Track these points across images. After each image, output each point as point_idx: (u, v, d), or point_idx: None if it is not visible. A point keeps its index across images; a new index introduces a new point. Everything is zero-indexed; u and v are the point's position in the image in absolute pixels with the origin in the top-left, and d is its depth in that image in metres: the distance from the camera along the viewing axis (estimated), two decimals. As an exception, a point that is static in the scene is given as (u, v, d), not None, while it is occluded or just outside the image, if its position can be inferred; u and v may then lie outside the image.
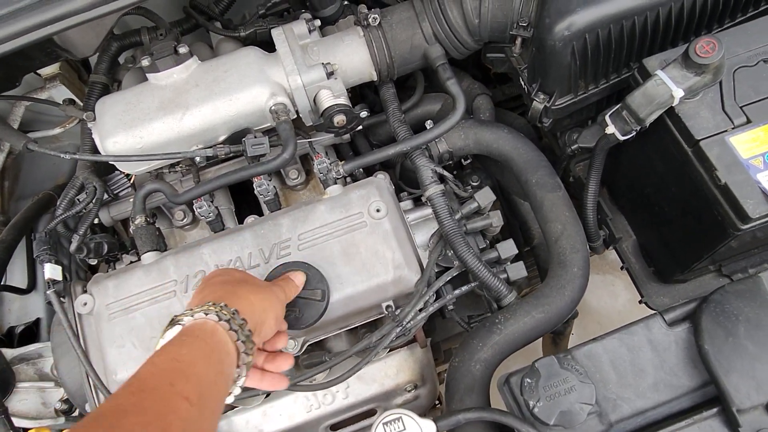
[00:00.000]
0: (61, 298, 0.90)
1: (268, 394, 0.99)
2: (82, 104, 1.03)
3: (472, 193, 0.96)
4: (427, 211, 0.96)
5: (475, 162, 1.16)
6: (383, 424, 0.67)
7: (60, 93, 1.24)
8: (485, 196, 0.95)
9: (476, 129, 0.99)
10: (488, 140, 0.98)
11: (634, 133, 0.79)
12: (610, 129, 0.80)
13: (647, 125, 0.77)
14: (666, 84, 0.72)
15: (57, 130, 1.29)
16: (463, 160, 1.11)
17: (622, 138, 0.80)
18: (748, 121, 0.74)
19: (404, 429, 0.66)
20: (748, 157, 0.72)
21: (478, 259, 0.87)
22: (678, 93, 0.72)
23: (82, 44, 0.85)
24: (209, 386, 0.53)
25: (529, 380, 0.66)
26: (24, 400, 0.96)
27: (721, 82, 0.76)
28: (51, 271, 0.87)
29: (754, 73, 0.76)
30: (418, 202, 1.00)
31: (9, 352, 0.98)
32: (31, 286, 1.20)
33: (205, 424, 0.51)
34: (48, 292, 0.86)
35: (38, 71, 1.18)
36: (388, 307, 0.88)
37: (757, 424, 0.62)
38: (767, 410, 0.63)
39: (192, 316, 0.59)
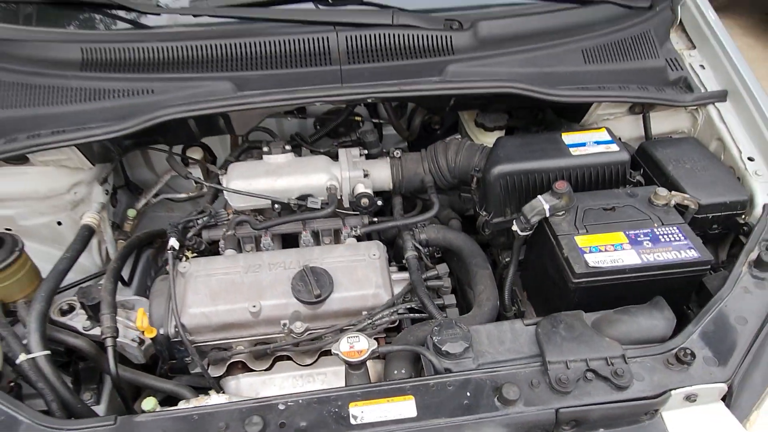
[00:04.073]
0: (176, 259, 1.45)
1: (270, 367, 1.43)
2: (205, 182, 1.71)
3: (434, 267, 1.52)
4: (404, 275, 1.51)
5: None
6: (347, 338, 1.16)
7: (195, 172, 1.94)
8: (443, 268, 1.51)
9: (446, 231, 1.59)
10: (451, 238, 1.57)
11: (528, 230, 1.38)
12: (514, 227, 1.40)
13: (532, 225, 1.36)
14: (541, 201, 1.34)
15: (182, 195, 1.96)
16: (436, 253, 1.67)
17: (521, 233, 1.39)
18: (587, 232, 1.32)
19: (358, 340, 1.14)
20: (582, 246, 1.29)
21: (428, 296, 1.40)
22: (546, 206, 1.33)
23: (243, 125, 1.56)
24: None
25: (437, 328, 1.15)
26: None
27: (576, 213, 1.36)
28: (173, 243, 1.45)
29: (594, 212, 1.37)
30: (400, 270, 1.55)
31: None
32: (130, 282, 1.74)
33: None
34: (168, 252, 1.42)
35: (188, 155, 1.88)
36: (365, 311, 1.39)
37: (560, 372, 1.08)
38: (566, 366, 1.08)
39: None
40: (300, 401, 1.06)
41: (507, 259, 1.56)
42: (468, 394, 1.07)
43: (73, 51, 1.44)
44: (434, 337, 1.14)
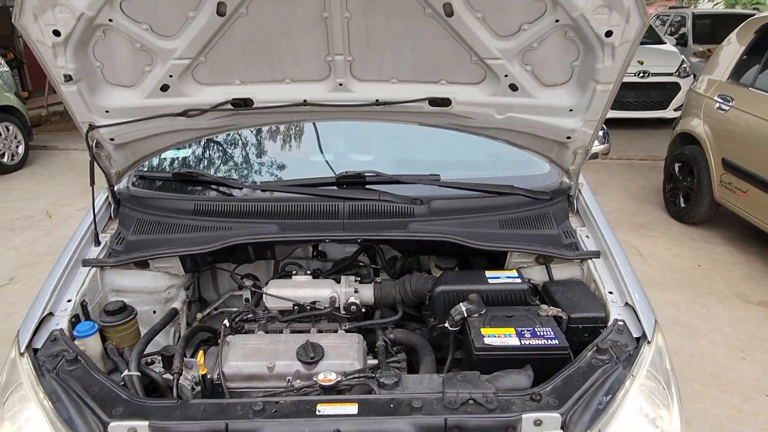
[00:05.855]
0: (226, 337, 2.22)
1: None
2: (255, 289, 2.55)
3: (395, 355, 2.21)
4: (374, 362, 2.19)
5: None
6: (323, 372, 1.85)
7: (245, 293, 2.78)
8: (402, 356, 2.20)
9: (408, 333, 2.31)
10: (410, 337, 2.28)
11: (455, 325, 2.08)
12: (446, 324, 2.11)
13: (456, 322, 2.07)
14: (461, 306, 2.08)
15: (234, 310, 2.77)
16: (401, 351, 2.34)
17: (451, 328, 2.09)
18: (490, 326, 2.03)
19: (330, 374, 1.83)
20: (484, 333, 1.99)
21: (388, 368, 2.08)
22: (464, 309, 2.06)
23: (282, 253, 2.44)
24: None
25: (380, 371, 1.82)
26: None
27: (486, 316, 2.08)
28: (226, 322, 2.23)
29: (498, 317, 2.09)
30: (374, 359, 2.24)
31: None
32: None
33: None
34: (222, 326, 2.19)
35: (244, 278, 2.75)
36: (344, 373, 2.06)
37: (452, 398, 1.71)
38: (456, 395, 1.72)
39: None
40: (288, 401, 1.73)
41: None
42: (391, 405, 1.72)
43: (189, 205, 2.44)
44: (377, 375, 1.82)
